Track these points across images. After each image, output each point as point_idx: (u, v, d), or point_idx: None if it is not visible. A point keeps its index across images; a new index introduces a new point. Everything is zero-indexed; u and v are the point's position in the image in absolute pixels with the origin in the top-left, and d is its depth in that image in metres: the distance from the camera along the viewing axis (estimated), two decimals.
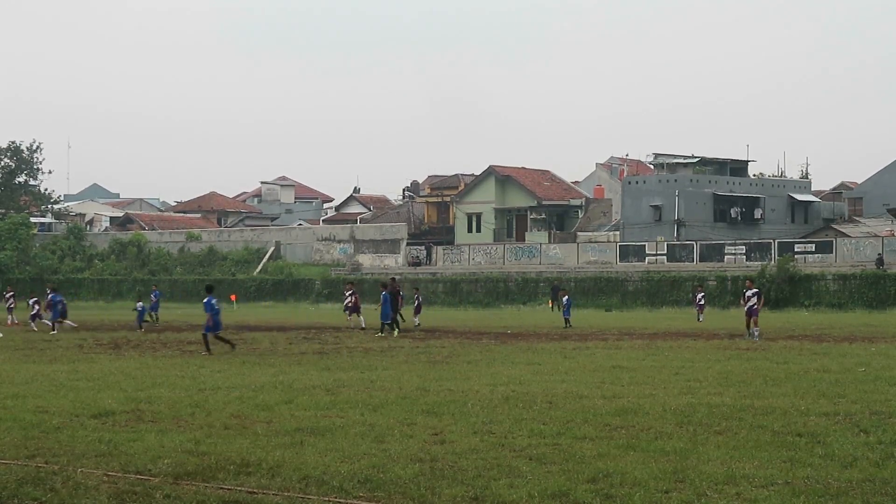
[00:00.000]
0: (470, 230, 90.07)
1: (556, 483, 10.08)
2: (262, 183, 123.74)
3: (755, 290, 33.63)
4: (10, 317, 46.36)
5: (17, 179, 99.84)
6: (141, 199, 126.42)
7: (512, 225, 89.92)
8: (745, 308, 33.12)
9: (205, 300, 27.68)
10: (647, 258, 72.66)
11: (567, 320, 41.84)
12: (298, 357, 25.72)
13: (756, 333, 32.02)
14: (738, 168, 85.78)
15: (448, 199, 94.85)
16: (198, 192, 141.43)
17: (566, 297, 43.72)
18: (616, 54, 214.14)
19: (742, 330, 33.29)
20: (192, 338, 34.00)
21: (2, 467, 10.96)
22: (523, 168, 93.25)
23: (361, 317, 40.62)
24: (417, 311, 42.24)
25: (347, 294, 47.94)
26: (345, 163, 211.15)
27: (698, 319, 46.25)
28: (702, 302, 48.32)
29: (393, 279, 43.07)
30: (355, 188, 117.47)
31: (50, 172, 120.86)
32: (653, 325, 42.37)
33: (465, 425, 13.64)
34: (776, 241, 70.67)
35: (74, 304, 77.91)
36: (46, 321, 39.61)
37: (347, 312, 43.83)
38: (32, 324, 41.33)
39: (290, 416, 14.50)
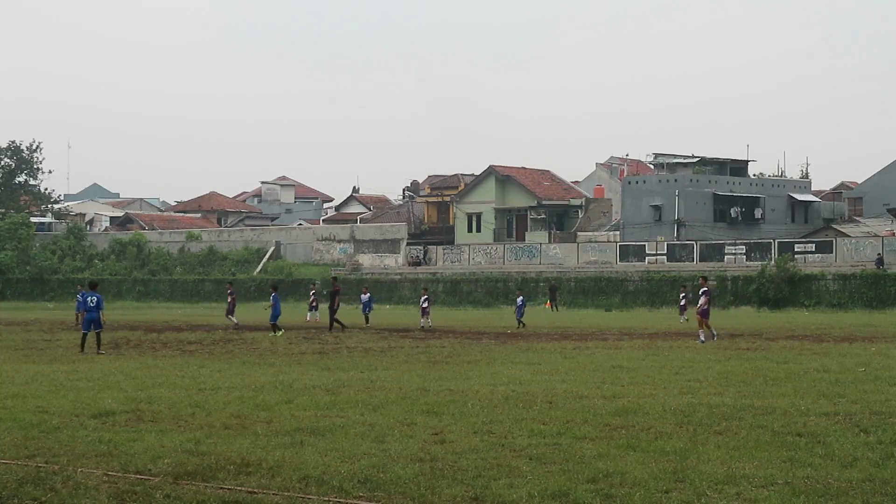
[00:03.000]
0: (470, 230, 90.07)
1: (556, 483, 10.08)
2: (262, 183, 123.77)
3: (705, 288, 31.78)
4: None
5: (17, 179, 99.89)
6: (141, 199, 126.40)
7: (512, 225, 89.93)
8: (698, 309, 31.50)
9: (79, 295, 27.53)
10: (647, 258, 72.67)
11: (520, 321, 40.41)
12: (298, 357, 25.70)
13: (702, 336, 30.57)
14: (738, 168, 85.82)
15: (448, 198, 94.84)
16: (198, 192, 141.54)
17: (521, 297, 42.50)
18: (616, 53, 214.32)
19: (734, 330, 33.15)
20: (191, 338, 34.01)
21: (2, 467, 10.95)
22: (523, 168, 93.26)
23: (234, 318, 41.30)
24: (425, 313, 41.67)
25: (312, 294, 48.32)
26: (345, 163, 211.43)
27: (681, 320, 45.72)
28: (682, 302, 47.65)
29: (335, 279, 42.77)
30: (354, 188, 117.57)
31: (50, 172, 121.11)
32: (653, 325, 42.35)
33: (465, 425, 13.63)
34: (776, 241, 70.68)
35: (74, 303, 77.95)
36: None
37: (310, 311, 45.07)
38: None
39: (290, 416, 14.50)
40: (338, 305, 38.20)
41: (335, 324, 37.58)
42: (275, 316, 35.30)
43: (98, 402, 15.98)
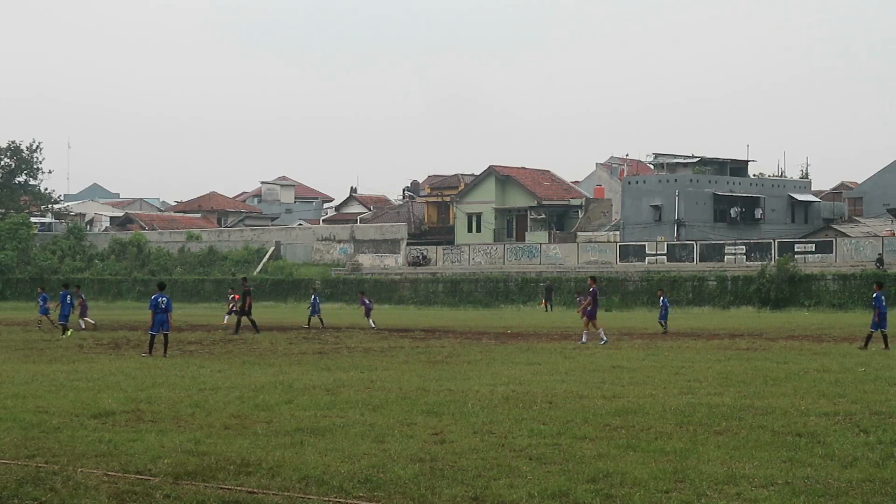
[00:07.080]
0: (470, 230, 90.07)
1: (556, 483, 10.08)
2: (262, 183, 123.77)
3: (593, 288, 31.12)
4: None
5: (17, 179, 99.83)
6: (141, 199, 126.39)
7: (512, 225, 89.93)
8: (580, 309, 31.12)
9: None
10: (647, 258, 72.66)
11: (663, 323, 37.52)
12: (298, 357, 25.71)
13: (584, 337, 30.33)
14: (738, 168, 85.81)
15: (448, 199, 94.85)
16: (198, 192, 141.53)
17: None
18: (616, 53, 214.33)
19: (734, 331, 33.13)
20: (192, 338, 34.01)
21: (2, 467, 10.96)
22: (523, 168, 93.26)
23: (90, 318, 41.08)
24: (367, 313, 42.32)
25: (231, 297, 47.08)
26: (345, 162, 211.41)
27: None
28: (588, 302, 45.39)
29: (244, 279, 42.09)
30: (352, 188, 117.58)
31: (50, 172, 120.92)
32: (653, 326, 42.31)
33: (465, 425, 13.64)
34: (776, 241, 70.67)
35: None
36: None
37: (228, 315, 44.33)
38: None
39: (290, 416, 14.50)
40: (249, 306, 37.67)
41: (251, 325, 36.44)
42: (64, 316, 35.32)
43: (98, 402, 15.98)
